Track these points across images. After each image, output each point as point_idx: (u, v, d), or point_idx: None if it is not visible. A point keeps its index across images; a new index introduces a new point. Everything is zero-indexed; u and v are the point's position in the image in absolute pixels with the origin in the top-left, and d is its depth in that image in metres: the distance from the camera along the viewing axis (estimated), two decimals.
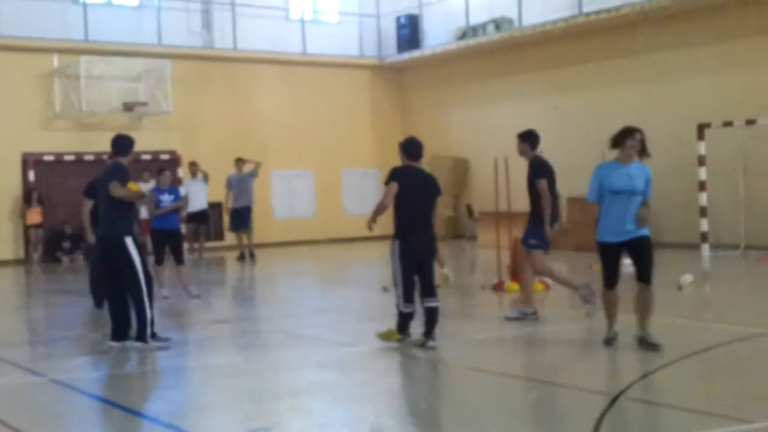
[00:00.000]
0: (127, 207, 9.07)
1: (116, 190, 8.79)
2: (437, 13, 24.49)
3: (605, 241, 8.10)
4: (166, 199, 12.80)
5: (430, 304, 8.47)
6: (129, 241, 8.85)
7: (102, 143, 21.07)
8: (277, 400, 6.94)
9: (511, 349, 9.09)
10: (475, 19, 23.03)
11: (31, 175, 20.23)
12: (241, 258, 19.11)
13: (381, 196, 8.59)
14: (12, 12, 20.41)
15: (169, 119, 22.12)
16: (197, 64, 22.79)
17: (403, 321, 8.49)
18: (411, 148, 8.89)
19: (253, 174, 19.33)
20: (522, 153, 10.30)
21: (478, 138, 23.30)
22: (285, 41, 24.19)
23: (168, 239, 12.72)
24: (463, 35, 23.33)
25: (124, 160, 9.20)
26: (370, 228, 8.66)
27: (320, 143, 24.43)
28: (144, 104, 21.54)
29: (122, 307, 9.01)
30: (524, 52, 22.05)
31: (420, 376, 7.40)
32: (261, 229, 21.43)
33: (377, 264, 19.88)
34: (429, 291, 8.50)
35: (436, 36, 24.40)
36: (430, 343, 8.31)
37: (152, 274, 9.52)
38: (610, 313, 8.19)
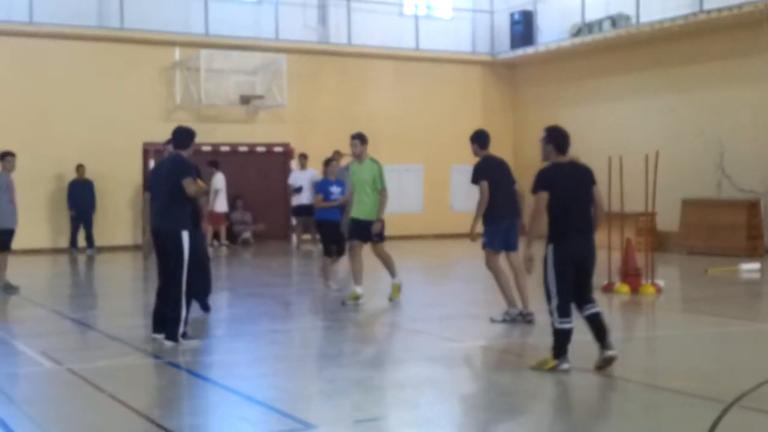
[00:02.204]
0: (187, 201, 8.88)
1: (190, 186, 8.69)
2: (552, 9, 24.23)
3: None
4: (335, 191, 12.81)
5: (591, 310, 7.45)
6: (185, 236, 8.77)
7: (220, 135, 21.85)
8: (385, 392, 7.06)
9: (621, 351, 8.97)
10: (591, 15, 22.69)
11: (152, 164, 20.91)
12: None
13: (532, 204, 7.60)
14: (137, 6, 21.16)
15: (283, 112, 22.57)
16: (312, 59, 23.17)
17: (561, 340, 7.37)
18: (561, 139, 7.78)
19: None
20: (474, 154, 10.55)
21: (590, 136, 22.92)
22: (398, 37, 24.35)
23: (332, 230, 12.69)
24: (578, 32, 23.04)
25: (185, 154, 9.02)
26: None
27: (430, 139, 24.51)
28: (260, 97, 22.04)
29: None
30: (640, 49, 21.62)
31: (525, 375, 7.39)
32: None
33: (482, 260, 19.79)
34: (586, 298, 7.48)
35: (550, 32, 24.15)
36: (609, 353, 7.35)
37: (209, 268, 9.46)
38: None
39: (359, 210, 11.36)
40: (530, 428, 5.89)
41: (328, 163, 13.49)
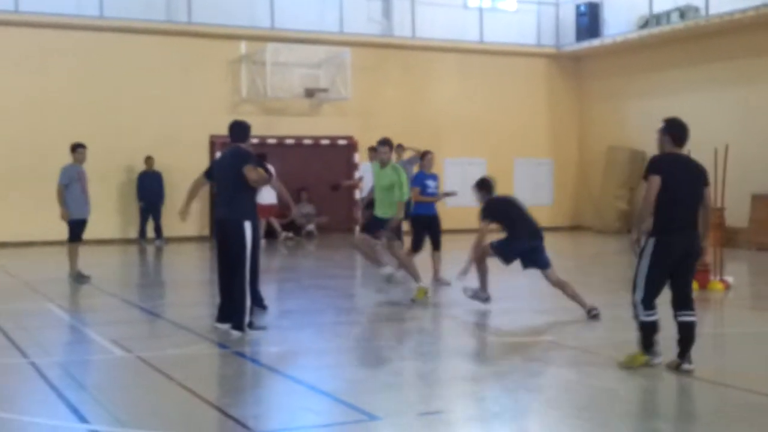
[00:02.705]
0: (250, 191, 9.01)
1: (251, 173, 8.81)
2: (618, 0, 23.92)
3: None
4: (431, 184, 12.65)
5: (685, 318, 7.20)
6: (248, 225, 8.85)
7: (285, 127, 22.04)
8: (449, 385, 7.07)
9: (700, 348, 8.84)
10: (659, 7, 22.34)
11: (218, 157, 21.16)
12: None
13: (643, 192, 7.25)
14: (204, 1, 21.45)
15: (347, 105, 22.67)
16: (376, 52, 23.22)
17: (647, 334, 7.24)
18: (679, 131, 7.42)
19: (414, 161, 19.49)
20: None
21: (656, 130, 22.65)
22: (462, 30, 24.27)
23: (429, 225, 12.60)
24: (645, 24, 22.70)
25: (243, 145, 9.20)
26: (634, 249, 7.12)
27: (493, 132, 24.40)
28: (324, 90, 22.16)
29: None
30: (710, 41, 21.23)
31: (592, 371, 7.33)
32: None
33: (548, 254, 19.65)
34: (684, 302, 7.22)
35: (617, 24, 23.84)
36: (686, 366, 7.13)
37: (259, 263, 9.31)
38: None
39: (379, 210, 11.61)
40: (595, 425, 5.85)
41: (424, 155, 13.17)
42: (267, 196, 20.27)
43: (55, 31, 20.33)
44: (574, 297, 10.04)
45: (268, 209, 20.58)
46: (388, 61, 23.46)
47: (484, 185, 10.56)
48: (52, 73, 20.29)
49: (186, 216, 9.76)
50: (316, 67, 22.39)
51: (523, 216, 10.37)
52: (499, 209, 10.35)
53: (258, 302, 10.03)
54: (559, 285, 10.18)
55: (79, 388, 6.96)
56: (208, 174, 9.68)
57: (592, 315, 9.68)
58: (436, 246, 12.78)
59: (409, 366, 7.65)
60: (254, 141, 21.53)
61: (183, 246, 20.19)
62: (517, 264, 10.34)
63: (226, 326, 9.01)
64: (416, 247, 12.67)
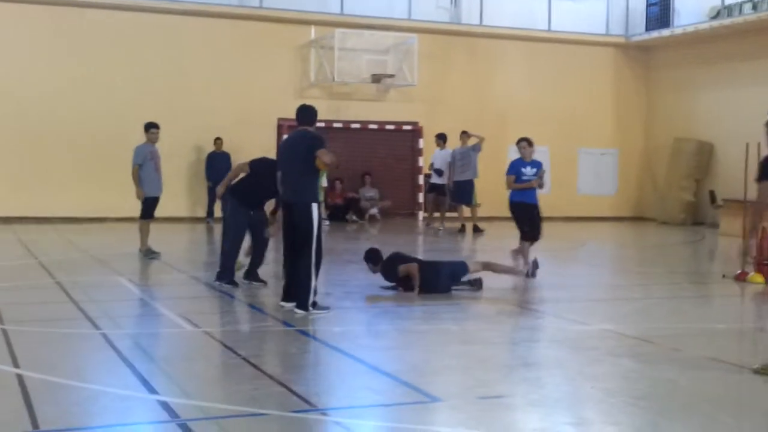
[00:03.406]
0: (316, 174, 9.15)
1: (326, 156, 8.95)
2: None
3: None
4: (528, 172, 12.32)
5: None
6: (314, 208, 9.01)
7: (351, 112, 22.21)
8: (510, 370, 7.13)
9: (752, 342, 8.81)
10: None
11: (283, 140, 21.39)
12: (461, 230, 19.44)
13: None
14: None
15: (413, 92, 22.75)
16: (443, 39, 23.24)
17: None
18: None
19: (477, 148, 19.49)
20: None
21: (726, 122, 22.31)
22: (530, 18, 24.14)
23: (529, 213, 12.36)
24: (717, 14, 22.34)
25: (310, 129, 9.34)
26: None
27: (558, 121, 24.26)
28: (391, 76, 22.28)
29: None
30: None
31: (653, 361, 7.35)
32: (492, 204, 21.40)
33: (610, 244, 19.72)
34: None
35: (687, 15, 23.49)
36: None
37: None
38: None
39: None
40: (654, 414, 5.88)
41: (524, 144, 12.49)
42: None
43: (132, 14, 20.79)
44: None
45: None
46: (454, 48, 23.46)
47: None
48: (127, 54, 20.75)
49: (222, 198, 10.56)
50: (384, 53, 22.50)
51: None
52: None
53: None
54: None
55: (148, 359, 7.19)
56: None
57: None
58: (534, 236, 12.36)
59: (470, 350, 7.73)
60: (320, 125, 21.96)
61: None
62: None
63: (290, 305, 9.20)
64: (525, 234, 12.34)
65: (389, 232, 20.18)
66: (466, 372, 6.98)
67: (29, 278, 11.35)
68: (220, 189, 10.98)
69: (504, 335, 8.66)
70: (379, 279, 11.07)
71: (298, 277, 9.10)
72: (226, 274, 10.83)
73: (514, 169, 12.39)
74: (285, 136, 21.04)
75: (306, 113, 9.44)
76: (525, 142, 12.49)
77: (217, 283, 10.79)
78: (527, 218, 12.33)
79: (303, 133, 9.30)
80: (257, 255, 11.13)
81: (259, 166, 10.81)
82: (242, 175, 10.91)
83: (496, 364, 7.32)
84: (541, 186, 12.45)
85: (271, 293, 10.29)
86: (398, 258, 11.03)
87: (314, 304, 9.11)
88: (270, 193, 10.35)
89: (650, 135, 25.21)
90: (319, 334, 8.38)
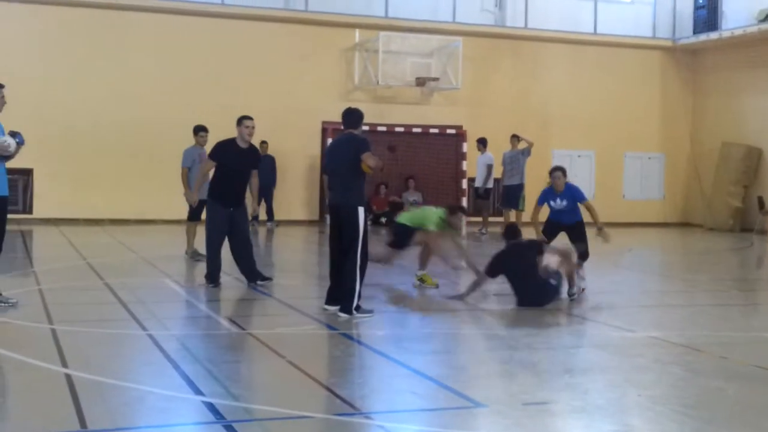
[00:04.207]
0: (363, 177, 9.17)
1: (370, 159, 8.95)
2: None
3: None
4: (558, 205, 11.42)
5: None
6: (361, 211, 9.04)
7: (395, 116, 22.23)
8: (554, 376, 7.08)
9: None
10: None
11: (329, 143, 21.45)
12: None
13: None
14: None
15: (457, 95, 22.72)
16: (487, 42, 23.18)
17: None
18: None
19: (526, 152, 19.40)
20: None
21: None
22: (575, 20, 24.01)
23: (567, 231, 11.54)
24: (765, 18, 22.03)
25: (356, 132, 9.35)
26: None
27: (604, 124, 24.09)
28: (435, 79, 22.25)
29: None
30: None
31: (700, 370, 7.27)
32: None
33: (657, 250, 19.52)
34: None
35: (735, 18, 23.20)
36: None
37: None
38: None
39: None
40: (702, 423, 5.81)
41: (559, 174, 11.42)
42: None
43: (179, 17, 21.02)
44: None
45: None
46: (499, 50, 23.40)
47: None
48: (174, 57, 20.97)
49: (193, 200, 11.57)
50: (428, 56, 22.49)
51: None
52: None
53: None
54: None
55: (194, 361, 7.23)
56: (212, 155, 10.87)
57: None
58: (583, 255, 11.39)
59: (515, 356, 7.69)
60: (365, 128, 22.02)
61: (293, 229, 20.64)
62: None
63: (334, 308, 9.23)
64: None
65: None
66: (510, 378, 6.95)
67: (78, 279, 11.52)
68: (191, 196, 11.91)
69: (549, 341, 8.60)
70: (420, 285, 11.06)
71: (343, 280, 9.13)
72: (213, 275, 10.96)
73: (543, 200, 11.54)
74: (330, 140, 21.24)
75: (352, 116, 9.46)
76: (560, 172, 11.44)
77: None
78: (570, 236, 11.53)
79: (349, 137, 9.34)
80: (248, 256, 11.19)
81: (219, 154, 10.99)
82: (212, 170, 11.00)
83: (541, 370, 7.27)
84: (605, 239, 11.49)
85: (314, 296, 10.32)
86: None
87: (358, 308, 9.12)
88: (244, 182, 10.63)
89: (697, 140, 24.92)
90: (363, 338, 8.40)
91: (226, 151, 10.97)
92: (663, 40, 24.82)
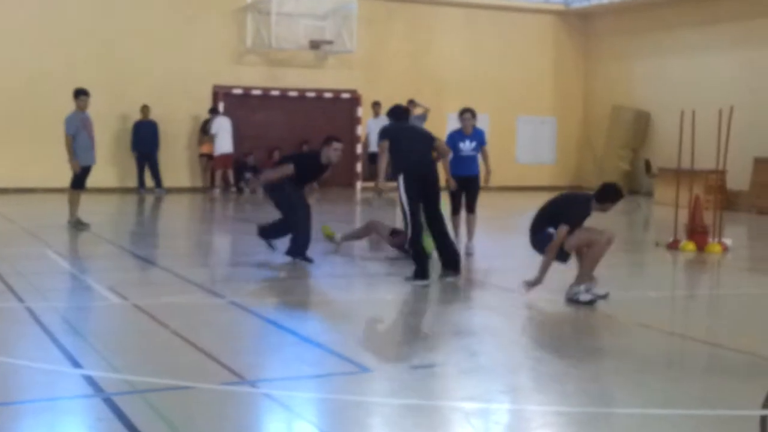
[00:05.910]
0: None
1: (442, 148, 9.91)
2: None
3: None
4: (467, 147, 11.54)
5: None
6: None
7: (289, 79, 21.91)
8: (442, 339, 7.09)
9: (683, 309, 8.90)
10: None
11: (221, 108, 21.06)
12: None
13: None
14: None
15: (351, 58, 22.51)
16: (382, 5, 22.98)
17: None
18: None
19: (422, 118, 19.42)
20: None
21: (662, 91, 22.52)
22: None
23: (466, 186, 11.59)
24: None
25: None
26: None
27: (497, 89, 24.23)
28: (330, 42, 21.97)
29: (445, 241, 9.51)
30: (720, 2, 21.03)
31: (586, 328, 7.38)
32: None
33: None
34: None
35: None
36: None
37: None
38: None
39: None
40: (587, 378, 5.88)
41: (468, 115, 11.72)
42: (222, 146, 20.13)
43: None
44: None
45: (223, 159, 20.41)
46: (394, 14, 23.25)
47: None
48: (52, 17, 20.09)
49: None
50: (322, 18, 22.16)
51: None
52: None
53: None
54: None
55: (74, 333, 6.99)
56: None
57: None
58: (471, 209, 11.74)
59: (403, 320, 7.72)
60: (257, 92, 21.68)
61: (180, 196, 20.18)
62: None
63: (453, 278, 9.37)
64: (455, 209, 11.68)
65: (327, 202, 20.01)
66: (398, 342, 6.93)
67: None
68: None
69: (437, 304, 8.63)
70: (323, 253, 10.93)
71: (450, 243, 9.56)
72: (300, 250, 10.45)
73: (451, 142, 11.32)
74: (221, 104, 20.80)
75: (396, 113, 9.94)
76: (469, 114, 11.55)
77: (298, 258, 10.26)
78: (464, 190, 11.57)
79: (413, 125, 10.17)
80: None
81: (302, 160, 10.84)
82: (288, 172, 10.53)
83: (429, 334, 7.27)
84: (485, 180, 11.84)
85: (201, 264, 10.09)
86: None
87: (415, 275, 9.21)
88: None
89: (589, 103, 25.36)
90: (252, 306, 8.23)
91: (309, 165, 10.66)
92: (556, 5, 25.07)
